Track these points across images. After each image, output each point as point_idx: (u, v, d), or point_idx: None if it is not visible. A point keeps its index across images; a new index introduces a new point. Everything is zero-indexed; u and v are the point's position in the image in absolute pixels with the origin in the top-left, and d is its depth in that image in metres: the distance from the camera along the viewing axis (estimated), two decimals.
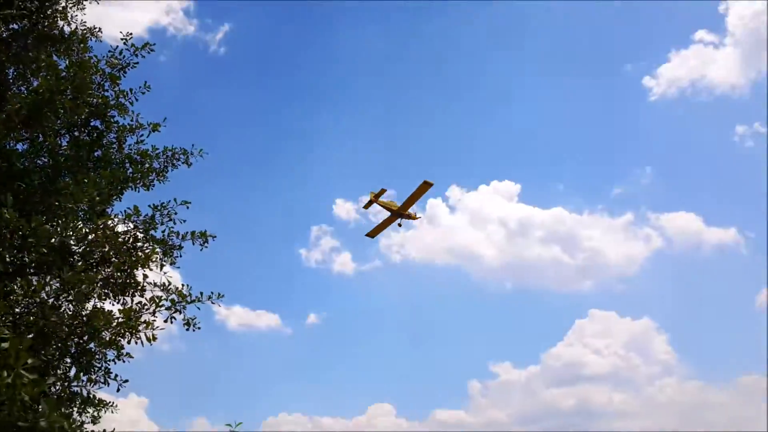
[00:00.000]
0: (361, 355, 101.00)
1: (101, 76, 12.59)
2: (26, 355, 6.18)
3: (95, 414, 11.29)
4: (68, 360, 10.66)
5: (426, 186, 51.66)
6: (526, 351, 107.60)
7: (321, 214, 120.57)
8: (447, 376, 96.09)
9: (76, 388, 10.65)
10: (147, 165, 12.53)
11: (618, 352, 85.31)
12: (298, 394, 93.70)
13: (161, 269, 11.08)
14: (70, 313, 10.46)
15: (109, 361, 10.92)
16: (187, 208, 11.74)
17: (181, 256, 11.86)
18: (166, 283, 10.84)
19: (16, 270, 10.42)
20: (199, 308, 10.71)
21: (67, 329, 10.22)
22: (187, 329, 10.75)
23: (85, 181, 10.86)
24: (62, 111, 11.82)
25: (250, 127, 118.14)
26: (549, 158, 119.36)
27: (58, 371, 10.73)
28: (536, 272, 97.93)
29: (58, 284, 10.40)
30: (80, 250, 10.85)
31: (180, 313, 10.65)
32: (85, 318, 10.35)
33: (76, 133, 12.41)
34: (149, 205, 11.53)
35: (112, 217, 11.30)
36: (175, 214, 11.69)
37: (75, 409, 10.89)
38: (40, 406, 6.35)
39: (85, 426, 9.85)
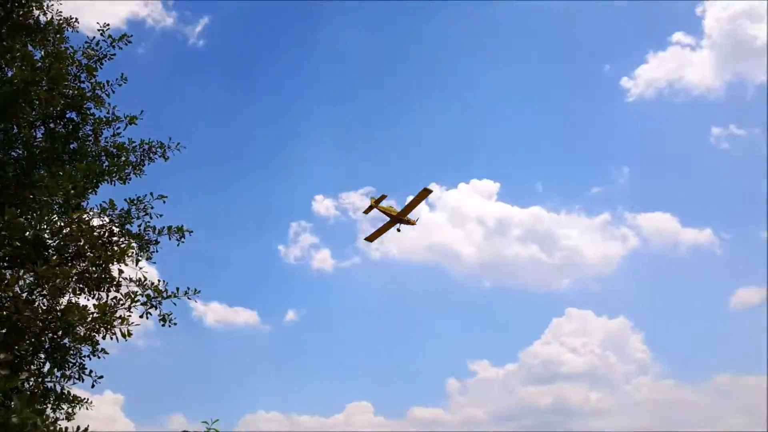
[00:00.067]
0: (339, 352, 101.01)
1: (77, 68, 12.43)
2: None
3: (69, 410, 11.18)
4: (42, 355, 10.53)
5: (426, 192, 52.50)
6: (503, 349, 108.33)
7: (300, 210, 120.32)
8: (425, 374, 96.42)
9: (49, 384, 10.54)
10: (123, 158, 12.39)
11: (594, 350, 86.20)
12: (275, 392, 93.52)
13: (137, 264, 10.97)
14: (44, 307, 10.33)
15: (84, 356, 10.81)
16: (164, 202, 11.64)
17: (157, 251, 11.77)
18: (142, 279, 10.74)
19: None
20: (175, 304, 10.65)
21: (40, 324, 10.09)
22: (163, 325, 10.68)
23: (61, 173, 10.71)
24: (37, 102, 11.65)
25: (229, 121, 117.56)
26: (528, 157, 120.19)
27: (32, 367, 10.60)
28: (514, 271, 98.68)
29: (32, 278, 10.27)
30: (55, 244, 10.71)
31: (156, 308, 10.57)
32: (59, 313, 10.22)
33: (52, 125, 12.24)
34: (125, 199, 11.43)
35: (88, 210, 11.16)
36: (152, 208, 11.60)
37: (49, 405, 10.77)
38: (12, 402, 6.26)
39: (59, 423, 9.73)
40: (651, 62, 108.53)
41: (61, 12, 13.40)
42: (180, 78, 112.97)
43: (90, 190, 11.89)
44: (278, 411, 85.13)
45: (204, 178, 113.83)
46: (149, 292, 10.59)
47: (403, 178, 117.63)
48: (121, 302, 10.54)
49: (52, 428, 9.21)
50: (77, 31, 13.21)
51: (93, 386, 10.84)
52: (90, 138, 12.45)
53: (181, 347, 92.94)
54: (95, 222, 10.98)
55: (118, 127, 12.64)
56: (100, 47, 12.70)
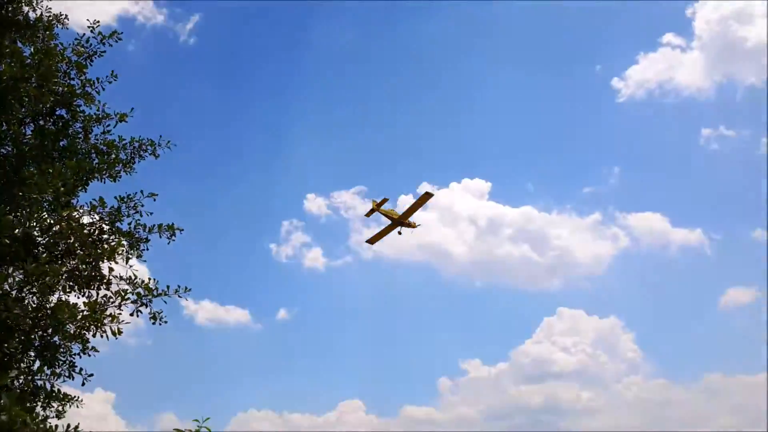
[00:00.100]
0: (331, 351, 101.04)
1: (67, 64, 12.36)
2: None
3: (60, 408, 11.11)
4: (32, 353, 10.48)
5: (427, 196, 53.45)
6: (495, 348, 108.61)
7: (292, 208, 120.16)
8: (417, 373, 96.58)
9: (39, 382, 10.50)
10: (113, 156, 12.33)
11: (585, 349, 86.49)
12: (267, 391, 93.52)
13: (127, 262, 10.95)
14: (34, 305, 10.30)
15: (74, 354, 10.78)
16: (154, 200, 11.61)
17: (147, 249, 11.73)
18: (132, 277, 10.71)
19: None
20: (165, 302, 10.64)
21: (30, 322, 10.06)
22: (154, 323, 10.65)
23: (50, 171, 10.66)
24: (27, 99, 11.59)
25: (220, 119, 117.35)
26: (519, 157, 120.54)
27: (21, 365, 10.55)
28: (506, 270, 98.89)
29: (21, 276, 10.23)
30: (44, 242, 10.68)
31: (146, 306, 10.56)
32: (49, 311, 10.19)
33: (41, 122, 12.17)
34: (115, 197, 11.40)
35: (78, 208, 11.14)
36: (142, 206, 11.57)
37: (38, 403, 10.71)
38: (1, 400, 6.24)
39: (49, 421, 9.69)
40: (642, 63, 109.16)
41: (50, 9, 13.31)
42: (171, 76, 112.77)
43: (80, 188, 11.83)
44: (270, 409, 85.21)
45: (195, 176, 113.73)
46: (140, 290, 10.57)
47: (396, 177, 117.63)
48: (111, 300, 10.51)
49: (41, 426, 9.17)
50: (67, 28, 13.14)
51: (83, 384, 10.82)
52: (80, 135, 12.39)
53: (172, 346, 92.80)
54: (85, 219, 10.96)
55: (109, 125, 12.59)
56: (90, 44, 12.63)
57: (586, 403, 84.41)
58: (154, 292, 10.56)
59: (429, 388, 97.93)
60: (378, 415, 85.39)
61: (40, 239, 10.65)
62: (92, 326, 10.10)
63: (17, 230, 10.13)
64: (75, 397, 11.14)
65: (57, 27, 13.03)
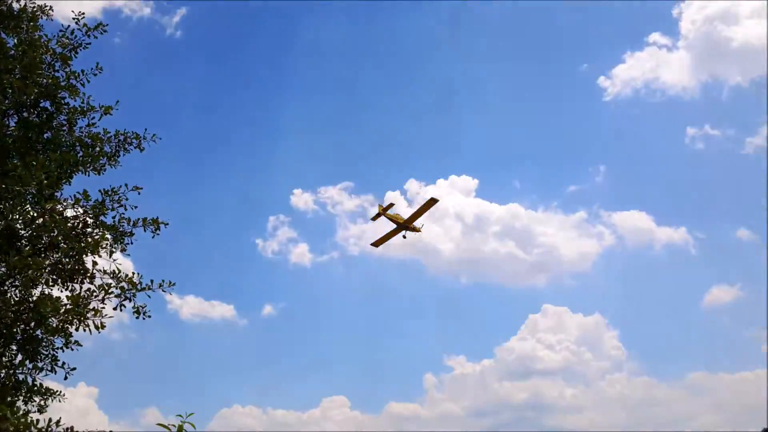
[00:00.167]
0: (316, 347, 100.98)
1: (52, 56, 12.26)
2: None
3: (41, 403, 11.05)
4: (13, 347, 10.43)
5: (432, 202, 54.35)
6: (480, 345, 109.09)
7: (278, 203, 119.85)
8: (402, 369, 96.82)
9: (21, 376, 10.46)
10: (98, 148, 12.24)
11: (570, 347, 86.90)
12: (251, 386, 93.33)
13: (111, 256, 10.88)
14: (17, 298, 10.24)
15: (57, 348, 10.72)
16: (139, 193, 11.54)
17: (132, 243, 11.64)
18: (116, 271, 10.66)
19: None
20: (149, 296, 10.59)
21: (12, 315, 10.00)
22: (137, 317, 10.61)
23: (34, 163, 10.58)
24: (10, 90, 11.49)
25: (206, 112, 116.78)
26: (506, 155, 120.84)
27: (3, 358, 10.48)
28: (491, 267, 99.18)
29: (4, 269, 10.17)
30: (28, 235, 10.60)
31: (130, 301, 10.51)
32: (31, 304, 10.14)
33: (25, 114, 12.07)
34: (99, 190, 11.31)
35: (61, 201, 11.05)
36: (126, 200, 11.48)
37: (20, 397, 10.65)
38: None
39: (31, 415, 9.60)
40: (628, 62, 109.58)
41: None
42: (157, 69, 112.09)
43: (64, 181, 11.74)
44: (254, 405, 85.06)
45: (181, 170, 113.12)
46: (123, 284, 10.51)
47: (383, 173, 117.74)
48: (94, 294, 10.45)
49: (22, 421, 9.11)
50: (51, 20, 13.01)
51: (66, 378, 10.76)
52: (64, 128, 12.29)
53: (156, 341, 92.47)
54: (69, 213, 10.88)
55: (93, 117, 12.48)
56: (75, 36, 12.53)
57: (570, 400, 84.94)
58: (138, 287, 10.51)
59: (414, 384, 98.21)
60: (362, 412, 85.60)
61: (23, 232, 10.57)
62: (75, 320, 10.04)
63: (0, 223, 10.04)
64: (57, 391, 11.09)
65: (41, 18, 12.90)
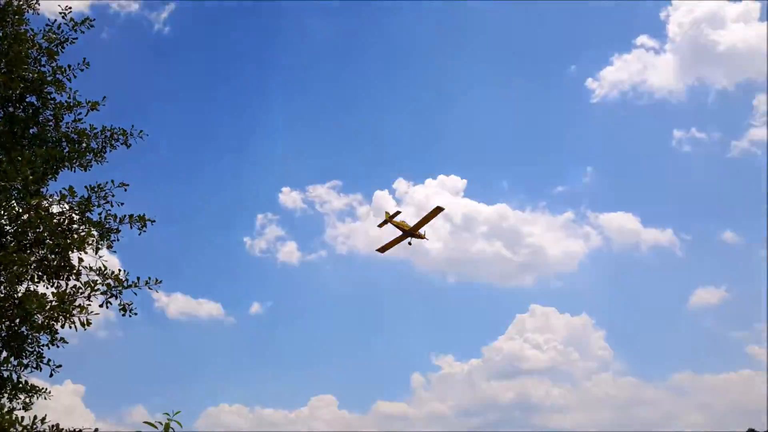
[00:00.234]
0: (304, 346, 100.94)
1: (38, 51, 12.15)
2: None
3: (27, 400, 10.96)
4: None
5: (438, 210, 55.28)
6: (468, 344, 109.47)
7: (267, 201, 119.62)
8: (390, 369, 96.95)
9: (6, 373, 10.38)
10: (84, 144, 12.14)
11: (557, 347, 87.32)
12: (239, 385, 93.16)
13: (97, 253, 10.81)
14: (2, 294, 10.17)
15: (42, 345, 10.65)
16: (125, 190, 11.44)
17: (118, 239, 11.55)
18: (102, 267, 10.58)
19: None
20: (136, 294, 10.54)
21: None
22: (123, 315, 10.55)
23: (19, 158, 10.48)
24: None
25: (194, 109, 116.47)
26: (494, 155, 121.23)
27: None
28: (479, 267, 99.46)
29: None
30: (13, 231, 10.51)
31: (116, 298, 10.45)
32: (17, 300, 10.06)
33: (11, 109, 11.96)
34: (86, 186, 11.20)
35: (47, 197, 10.96)
36: (113, 196, 11.38)
37: (5, 394, 10.57)
38: None
39: (16, 412, 9.53)
40: (616, 64, 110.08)
41: None
42: (145, 65, 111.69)
43: (50, 177, 11.64)
44: (242, 404, 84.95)
45: (168, 167, 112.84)
46: (109, 281, 10.45)
47: (372, 172, 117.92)
48: (80, 291, 10.38)
49: (7, 418, 9.04)
50: (38, 14, 12.88)
51: (51, 375, 10.69)
52: (50, 123, 12.18)
53: (143, 338, 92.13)
54: (55, 209, 10.79)
55: (80, 113, 12.37)
56: (62, 30, 12.43)
57: (556, 400, 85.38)
58: (125, 284, 10.46)
59: (401, 383, 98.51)
60: (350, 411, 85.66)
61: (8, 228, 10.48)
62: (61, 317, 9.97)
63: None
64: (43, 388, 11.01)
65: (27, 12, 12.79)
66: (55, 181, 11.86)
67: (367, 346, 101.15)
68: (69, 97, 12.29)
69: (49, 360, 10.65)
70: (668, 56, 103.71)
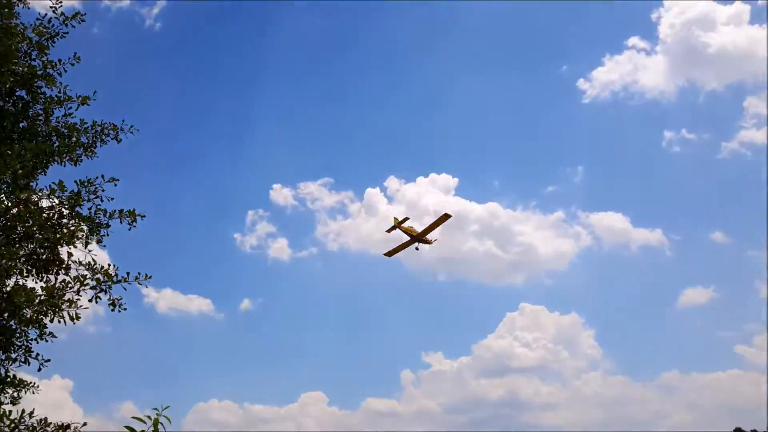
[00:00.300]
0: (294, 342, 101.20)
1: (28, 45, 12.12)
2: None
3: (15, 395, 10.97)
4: None
5: (445, 217, 56.94)
6: (457, 342, 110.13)
7: (257, 198, 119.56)
8: (380, 366, 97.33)
9: None
10: (74, 139, 12.13)
11: (546, 345, 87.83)
12: (229, 381, 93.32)
13: (86, 247, 10.79)
14: None
15: (31, 340, 10.65)
16: (115, 185, 11.43)
17: (108, 234, 11.52)
18: (92, 262, 10.56)
19: None
20: (125, 289, 10.52)
21: None
22: (113, 310, 10.54)
23: (9, 152, 10.45)
24: None
25: (186, 105, 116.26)
26: (486, 154, 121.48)
27: None
28: (470, 265, 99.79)
29: None
30: (2, 225, 10.47)
31: (105, 293, 10.43)
32: (5, 294, 10.03)
33: (1, 103, 11.93)
34: (75, 181, 11.17)
35: (37, 191, 10.92)
36: (103, 191, 11.35)
37: None
38: None
39: (4, 407, 9.53)
40: (607, 65, 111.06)
41: None
42: (135, 60, 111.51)
43: (39, 171, 11.63)
44: (231, 400, 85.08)
45: (158, 162, 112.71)
46: (99, 276, 10.43)
47: (363, 170, 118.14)
48: (69, 285, 10.36)
49: None
50: (28, 7, 12.84)
51: (39, 370, 10.69)
52: (40, 117, 12.16)
53: (132, 334, 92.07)
54: (44, 203, 10.76)
55: (70, 108, 12.36)
56: (53, 25, 12.39)
57: (545, 398, 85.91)
58: (114, 279, 10.44)
59: (391, 380, 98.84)
60: (340, 407, 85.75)
61: None
62: (50, 311, 9.96)
63: None
64: (31, 383, 11.02)
65: (18, 6, 12.75)
66: (45, 175, 11.87)
67: (357, 343, 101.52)
68: (59, 92, 12.29)
69: (37, 354, 10.66)
70: (659, 57, 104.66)
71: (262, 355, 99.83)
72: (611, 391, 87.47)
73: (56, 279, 10.66)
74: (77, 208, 11.09)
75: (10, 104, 11.98)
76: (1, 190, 10.64)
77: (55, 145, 11.96)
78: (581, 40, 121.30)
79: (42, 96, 12.19)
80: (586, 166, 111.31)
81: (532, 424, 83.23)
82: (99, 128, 12.28)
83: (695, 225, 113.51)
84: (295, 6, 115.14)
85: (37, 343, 10.65)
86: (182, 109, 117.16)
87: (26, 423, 9.61)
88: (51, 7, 12.41)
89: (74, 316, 10.04)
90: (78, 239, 10.64)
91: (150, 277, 10.64)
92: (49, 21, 12.38)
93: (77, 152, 12.12)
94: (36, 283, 10.64)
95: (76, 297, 10.18)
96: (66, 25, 12.50)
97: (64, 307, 10.02)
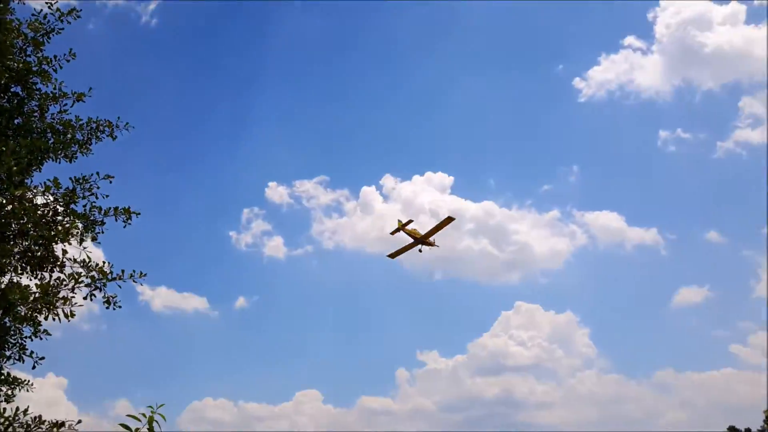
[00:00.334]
0: (289, 341, 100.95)
1: (23, 41, 12.06)
2: None
3: (9, 392, 10.92)
4: None
5: (448, 220, 57.59)
6: (453, 340, 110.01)
7: (253, 196, 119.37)
8: (375, 364, 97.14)
9: None
10: (69, 136, 12.07)
11: (541, 344, 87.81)
12: (224, 379, 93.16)
13: (81, 244, 10.75)
14: None
15: (25, 337, 10.61)
16: (110, 182, 11.40)
17: (103, 232, 11.48)
18: (87, 260, 10.52)
19: None
20: (120, 287, 10.49)
21: None
22: (108, 307, 10.52)
23: (4, 149, 10.41)
24: None
25: (181, 102, 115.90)
26: (482, 153, 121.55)
27: None
28: (465, 264, 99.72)
29: None
30: None
31: (100, 290, 10.39)
32: None
33: None
34: (70, 178, 11.16)
35: (31, 188, 10.88)
36: (98, 188, 11.34)
37: None
38: None
39: None
40: (603, 64, 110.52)
41: None
42: (131, 57, 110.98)
43: (34, 167, 11.56)
44: (226, 398, 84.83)
45: (153, 159, 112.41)
46: (94, 273, 10.40)
47: (359, 168, 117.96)
48: (64, 283, 10.33)
49: None
50: (23, 3, 12.75)
51: (34, 367, 10.65)
52: (35, 114, 12.10)
53: (127, 332, 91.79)
54: (39, 200, 10.73)
55: (65, 104, 12.31)
56: (48, 21, 12.32)
57: (540, 397, 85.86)
58: (109, 276, 10.41)
59: (386, 379, 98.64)
60: (335, 405, 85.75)
61: None
62: (44, 308, 9.93)
63: None
64: (25, 380, 10.98)
65: (13, 2, 12.69)
66: (40, 172, 11.80)
67: (353, 341, 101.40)
68: (55, 88, 12.23)
69: (32, 352, 10.62)
70: (655, 57, 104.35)
71: (258, 354, 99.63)
72: (606, 390, 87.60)
73: (51, 276, 10.63)
74: (72, 206, 11.06)
75: (5, 100, 11.92)
76: None
77: (50, 141, 11.90)
78: (577, 40, 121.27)
79: (37, 92, 12.13)
80: (581, 165, 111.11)
81: (527, 422, 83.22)
82: (94, 125, 12.23)
83: (690, 224, 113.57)
84: (293, 5, 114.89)
85: (32, 340, 10.62)
86: (178, 107, 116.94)
87: (21, 421, 9.59)
88: (46, 3, 12.35)
89: (69, 314, 10.01)
90: (73, 236, 10.60)
91: (145, 274, 10.61)
92: (45, 17, 12.32)
93: (72, 149, 12.07)
94: (30, 280, 10.60)
95: (71, 294, 10.16)
96: (61, 21, 12.44)
97: (58, 304, 9.99)
